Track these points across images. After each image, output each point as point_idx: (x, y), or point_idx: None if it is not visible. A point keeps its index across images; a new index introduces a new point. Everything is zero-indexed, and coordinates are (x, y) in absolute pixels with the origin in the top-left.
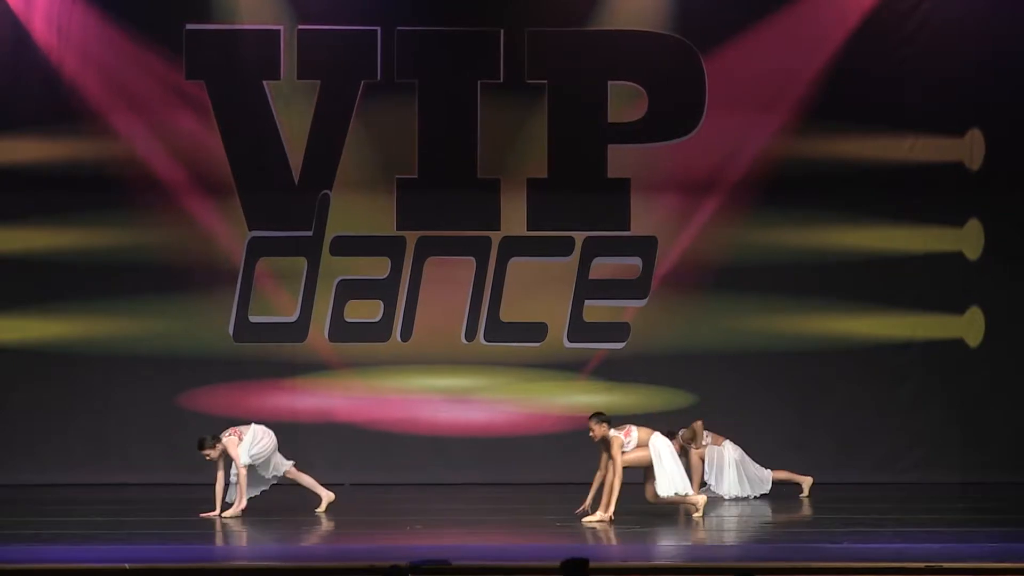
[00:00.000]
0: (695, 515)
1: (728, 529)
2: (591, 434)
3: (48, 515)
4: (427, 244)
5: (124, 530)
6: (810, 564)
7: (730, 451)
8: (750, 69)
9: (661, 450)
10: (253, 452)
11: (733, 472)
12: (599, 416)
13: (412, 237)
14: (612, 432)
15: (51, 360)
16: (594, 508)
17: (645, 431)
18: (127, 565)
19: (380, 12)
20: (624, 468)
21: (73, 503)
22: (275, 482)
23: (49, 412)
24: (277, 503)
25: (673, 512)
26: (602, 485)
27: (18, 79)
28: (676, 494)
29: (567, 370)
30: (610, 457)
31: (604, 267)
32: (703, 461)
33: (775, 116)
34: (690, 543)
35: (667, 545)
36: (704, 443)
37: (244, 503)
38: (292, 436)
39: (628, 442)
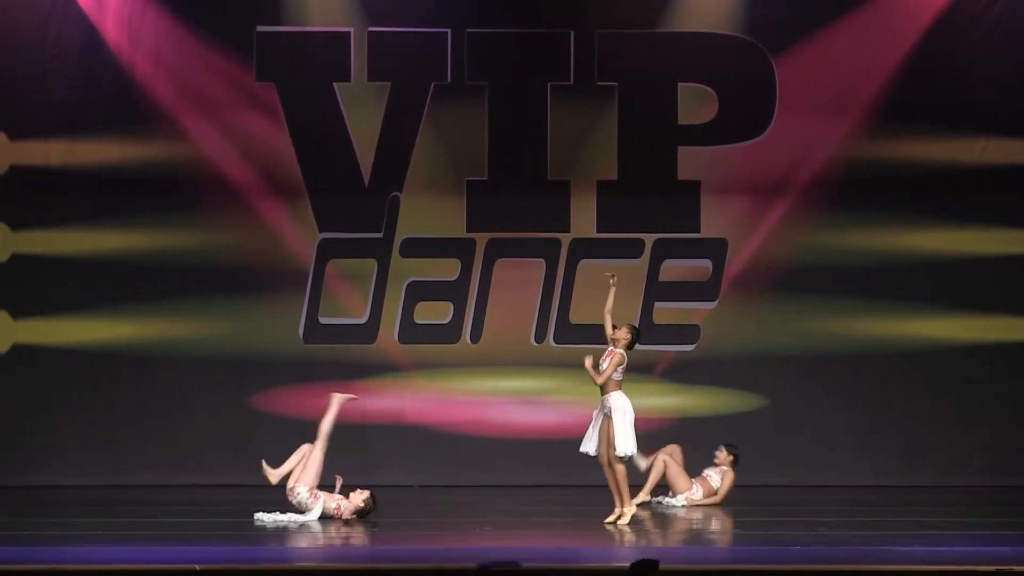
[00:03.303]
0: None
1: (798, 531)
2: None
3: (119, 515)
4: (497, 246)
5: (195, 531)
6: (880, 567)
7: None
8: (820, 71)
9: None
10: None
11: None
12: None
13: (482, 239)
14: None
15: (122, 361)
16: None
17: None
18: (198, 566)
19: (450, 14)
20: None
21: (144, 504)
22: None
23: (120, 413)
24: None
25: (742, 514)
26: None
27: (90, 81)
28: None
29: (637, 372)
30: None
31: (674, 269)
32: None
33: (846, 118)
34: (759, 545)
35: (737, 547)
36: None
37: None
38: (361, 438)
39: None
